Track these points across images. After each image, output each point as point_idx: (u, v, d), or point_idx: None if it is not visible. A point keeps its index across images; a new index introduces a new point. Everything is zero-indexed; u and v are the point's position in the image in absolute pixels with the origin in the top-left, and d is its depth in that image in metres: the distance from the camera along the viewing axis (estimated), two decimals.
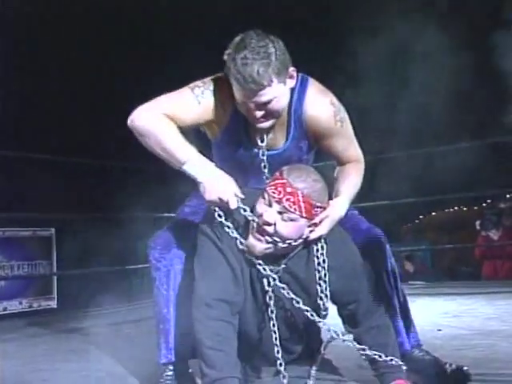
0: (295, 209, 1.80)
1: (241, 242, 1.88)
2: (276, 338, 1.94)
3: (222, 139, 2.13)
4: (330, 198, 1.96)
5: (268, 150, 2.07)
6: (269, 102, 1.90)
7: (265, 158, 2.06)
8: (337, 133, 2.09)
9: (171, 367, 2.18)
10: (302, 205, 1.80)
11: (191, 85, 2.04)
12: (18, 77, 5.40)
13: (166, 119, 1.94)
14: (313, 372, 2.03)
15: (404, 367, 1.94)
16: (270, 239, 1.83)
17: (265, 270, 1.88)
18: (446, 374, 2.12)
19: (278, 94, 1.90)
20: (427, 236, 13.03)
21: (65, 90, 5.62)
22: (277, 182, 1.82)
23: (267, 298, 1.93)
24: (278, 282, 1.90)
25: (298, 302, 1.91)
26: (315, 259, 1.93)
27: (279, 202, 1.80)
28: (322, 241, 1.93)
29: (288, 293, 1.91)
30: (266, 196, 1.83)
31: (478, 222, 7.49)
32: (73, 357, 3.07)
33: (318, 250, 1.93)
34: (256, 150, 2.08)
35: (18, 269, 5.67)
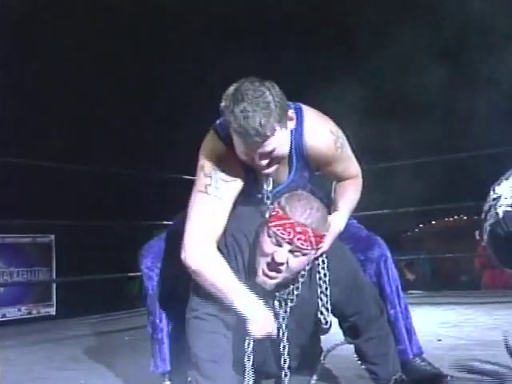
0: (307, 246, 1.79)
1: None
2: (284, 347, 1.96)
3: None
4: (329, 213, 1.95)
5: (274, 188, 2.05)
6: (273, 151, 1.86)
7: (269, 202, 2.01)
8: (338, 159, 2.09)
9: (168, 377, 2.18)
10: (313, 240, 1.80)
11: (201, 187, 1.98)
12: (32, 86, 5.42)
13: (214, 254, 1.91)
14: (313, 382, 2.02)
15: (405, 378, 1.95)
16: (281, 275, 1.83)
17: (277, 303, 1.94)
18: None
19: (281, 141, 1.86)
20: (427, 245, 13.01)
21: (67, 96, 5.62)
22: (284, 222, 1.79)
23: (280, 319, 1.94)
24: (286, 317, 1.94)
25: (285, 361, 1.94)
26: (317, 274, 1.94)
27: (290, 242, 1.78)
28: (324, 256, 1.94)
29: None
30: (272, 235, 1.80)
31: (477, 232, 7.49)
32: (71, 364, 3.06)
33: (319, 265, 1.94)
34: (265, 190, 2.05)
35: (18, 275, 5.65)
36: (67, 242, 5.90)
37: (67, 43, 5.86)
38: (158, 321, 2.17)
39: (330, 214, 1.97)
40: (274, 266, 1.80)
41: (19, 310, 5.54)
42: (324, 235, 1.85)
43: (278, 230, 1.79)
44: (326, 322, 1.94)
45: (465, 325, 3.74)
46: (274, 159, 1.90)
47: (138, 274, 6.22)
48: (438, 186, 8.35)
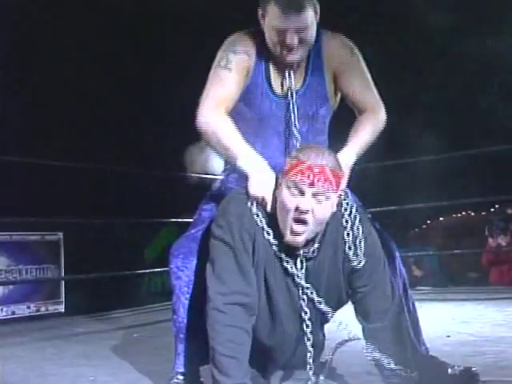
0: (328, 185, 1.80)
1: (274, 237, 1.90)
2: (308, 339, 1.97)
3: (244, 97, 2.20)
4: None
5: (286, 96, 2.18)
6: (305, 28, 2.03)
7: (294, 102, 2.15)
8: (354, 67, 2.21)
9: (181, 376, 2.17)
10: (333, 179, 1.81)
11: (216, 62, 2.18)
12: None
13: (223, 118, 2.07)
14: (321, 378, 2.02)
15: (414, 375, 1.94)
16: (308, 228, 1.82)
17: (292, 267, 1.91)
18: (455, 376, 2.11)
19: (311, 21, 2.05)
20: (434, 241, 12.97)
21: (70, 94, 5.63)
22: (300, 167, 1.80)
23: (297, 297, 1.94)
24: (303, 282, 1.91)
25: (320, 303, 1.94)
26: (343, 221, 1.95)
27: (312, 185, 1.79)
28: (347, 202, 1.97)
29: (311, 293, 1.92)
30: (292, 185, 1.81)
31: (486, 228, 7.48)
32: (80, 361, 3.07)
33: (346, 210, 1.96)
34: (277, 100, 2.18)
35: (26, 273, 5.67)
36: (76, 240, 5.90)
37: (67, 43, 5.86)
38: (185, 320, 2.15)
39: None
40: (301, 217, 1.80)
41: (28, 308, 5.55)
42: (342, 177, 1.87)
43: (297, 177, 1.80)
44: (357, 258, 1.94)
45: (474, 321, 3.73)
46: (303, 41, 2.06)
47: (146, 271, 6.25)
48: (445, 182, 8.34)
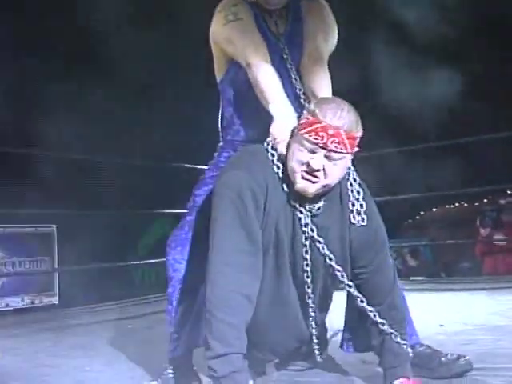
0: (341, 148, 1.76)
1: (287, 184, 1.85)
2: (312, 302, 1.94)
3: None
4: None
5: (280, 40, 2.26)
6: None
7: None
8: (321, 14, 2.31)
9: (173, 364, 2.18)
10: (347, 142, 1.77)
11: (224, 20, 2.22)
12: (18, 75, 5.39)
13: (262, 64, 2.09)
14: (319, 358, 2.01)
15: (411, 354, 1.94)
16: (321, 183, 1.80)
17: (305, 217, 1.87)
18: (448, 364, 2.12)
19: None
20: (428, 232, 13.03)
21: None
22: (315, 126, 1.76)
23: (303, 251, 1.89)
24: (315, 235, 1.86)
25: (330, 259, 1.88)
26: (348, 184, 1.94)
27: (325, 146, 1.76)
28: (353, 173, 1.96)
29: (323, 247, 1.88)
30: (305, 143, 1.78)
31: (478, 218, 7.52)
32: (75, 353, 3.07)
33: (350, 182, 1.95)
34: (274, 41, 2.25)
35: (20, 265, 5.66)
36: (69, 232, 5.89)
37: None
38: (175, 309, 2.16)
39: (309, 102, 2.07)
40: (311, 173, 1.78)
41: (22, 300, 5.55)
42: (358, 137, 1.81)
43: (311, 135, 1.77)
44: (360, 215, 1.92)
45: (467, 310, 3.75)
46: None
47: (140, 262, 6.24)
48: (438, 172, 8.34)
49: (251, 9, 2.28)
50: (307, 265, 1.89)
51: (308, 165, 1.77)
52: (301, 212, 1.86)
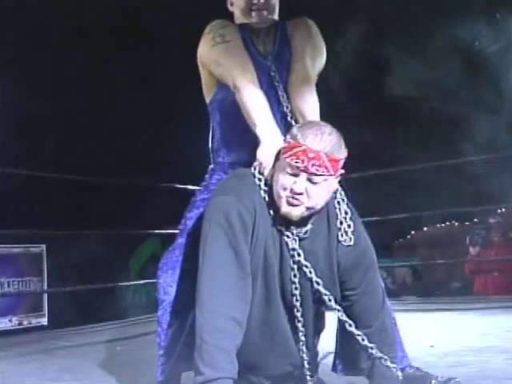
0: (323, 171, 1.78)
1: (273, 209, 1.86)
2: (302, 326, 1.92)
3: None
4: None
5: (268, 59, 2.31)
6: None
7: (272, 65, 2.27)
8: (309, 35, 2.35)
9: None
10: (328, 164, 1.78)
11: (212, 42, 2.26)
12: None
13: (249, 87, 2.11)
14: None
15: (400, 377, 1.93)
16: (305, 205, 1.81)
17: (292, 242, 1.87)
18: None
19: None
20: (419, 251, 13.02)
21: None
22: (296, 150, 1.78)
23: (292, 275, 1.88)
24: (302, 259, 1.86)
25: (318, 284, 1.88)
26: (336, 203, 1.94)
27: (306, 169, 1.77)
28: (341, 193, 1.97)
29: (310, 272, 1.87)
30: (287, 166, 1.79)
31: (467, 238, 7.53)
32: (63, 376, 3.03)
33: (338, 202, 1.95)
34: (262, 60, 2.29)
35: (9, 286, 5.62)
36: (59, 252, 5.86)
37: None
38: (166, 332, 2.15)
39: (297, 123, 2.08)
40: (294, 197, 1.79)
41: (10, 321, 5.51)
42: (340, 159, 1.82)
43: (292, 159, 1.78)
44: (348, 234, 1.92)
45: (458, 331, 3.74)
46: (268, 4, 2.32)
47: (129, 283, 6.20)
48: (429, 192, 8.38)
49: (239, 30, 2.31)
50: (296, 288, 1.89)
51: (291, 189, 1.78)
52: (288, 236, 1.87)
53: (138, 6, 6.16)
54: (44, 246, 5.91)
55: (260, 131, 2.00)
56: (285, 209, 1.82)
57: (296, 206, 1.80)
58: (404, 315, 2.55)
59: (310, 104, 2.18)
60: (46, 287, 5.86)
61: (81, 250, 5.75)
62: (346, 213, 1.94)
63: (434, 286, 9.80)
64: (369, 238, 2.02)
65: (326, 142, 1.78)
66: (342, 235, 1.92)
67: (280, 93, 2.23)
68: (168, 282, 2.16)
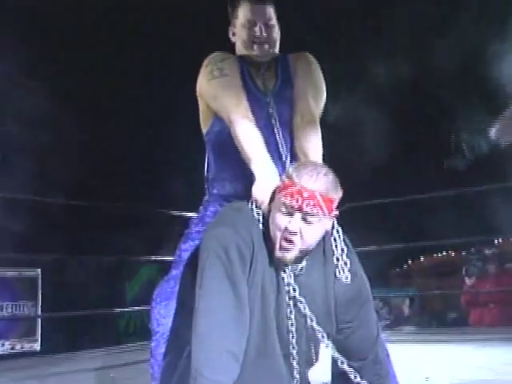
0: (318, 211, 1.77)
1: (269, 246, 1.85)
2: (296, 363, 1.90)
3: None
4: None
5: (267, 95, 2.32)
6: (271, 20, 2.34)
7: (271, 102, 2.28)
8: (311, 75, 2.37)
9: None
10: (323, 204, 1.78)
11: (209, 76, 2.28)
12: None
13: (243, 122, 2.12)
14: None
15: None
16: (298, 248, 1.80)
17: (288, 277, 1.86)
18: None
19: (275, 19, 2.36)
20: (416, 281, 12.98)
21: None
22: (291, 189, 1.78)
23: (288, 311, 1.87)
24: (297, 294, 1.85)
25: (311, 320, 1.87)
26: (332, 239, 1.93)
27: (300, 209, 1.77)
28: (339, 231, 1.95)
29: (304, 308, 1.86)
30: (282, 205, 1.79)
31: (464, 268, 7.51)
32: None
33: (335, 239, 1.93)
34: (261, 96, 2.30)
35: (2, 309, 5.58)
36: (54, 276, 5.84)
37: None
38: (160, 363, 2.12)
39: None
40: (288, 237, 1.78)
41: (2, 345, 5.46)
42: (335, 200, 1.82)
43: (287, 198, 1.78)
44: (345, 272, 1.90)
45: (454, 363, 3.72)
46: (269, 36, 2.34)
47: (125, 310, 6.16)
48: (425, 222, 8.38)
49: (238, 63, 2.33)
50: (292, 325, 1.88)
51: (286, 228, 1.78)
52: (284, 271, 1.86)
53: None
54: (39, 270, 5.88)
55: (254, 166, 2.01)
56: (278, 254, 1.82)
57: (289, 250, 1.80)
58: (400, 346, 2.53)
59: (313, 144, 2.19)
60: (39, 312, 5.81)
61: (76, 274, 5.73)
62: (343, 250, 1.93)
63: (431, 317, 9.75)
64: (363, 270, 2.02)
65: (322, 182, 1.78)
66: (339, 272, 1.91)
67: (276, 130, 2.24)
68: (162, 314, 2.14)
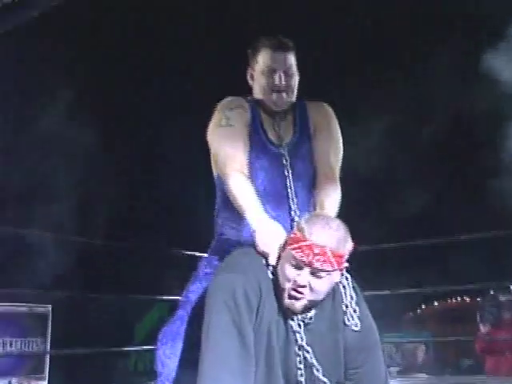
0: (327, 266, 1.78)
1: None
2: None
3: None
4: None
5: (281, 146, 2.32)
6: (291, 69, 2.34)
7: (286, 155, 2.28)
8: (332, 132, 2.38)
9: None
10: (333, 260, 1.78)
11: (217, 123, 2.32)
12: None
13: (236, 175, 2.14)
14: None
15: None
16: (307, 298, 1.81)
17: (296, 325, 1.86)
18: None
19: (295, 68, 2.37)
20: (429, 326, 12.81)
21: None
22: (301, 244, 1.79)
23: (297, 360, 1.87)
24: (304, 344, 1.85)
25: (317, 370, 1.86)
26: (341, 287, 1.93)
27: (310, 264, 1.77)
28: (348, 279, 1.96)
29: (311, 357, 1.85)
30: (292, 258, 1.79)
31: (478, 315, 7.38)
32: None
33: (344, 287, 1.94)
34: (273, 148, 2.31)
35: (11, 345, 5.55)
36: (65, 314, 5.81)
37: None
38: None
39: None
40: (297, 289, 1.79)
41: (9, 383, 5.40)
42: (345, 255, 1.83)
43: (297, 252, 1.78)
44: (354, 319, 1.90)
45: None
46: (288, 86, 2.34)
47: (134, 348, 6.12)
48: (439, 267, 8.31)
49: (250, 112, 2.35)
50: (301, 375, 1.87)
51: (295, 281, 1.79)
52: (292, 319, 1.86)
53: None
54: (50, 307, 5.85)
55: (250, 219, 2.03)
56: (287, 302, 1.82)
57: (298, 299, 1.81)
58: None
59: (331, 198, 2.22)
60: (48, 349, 5.76)
61: (87, 312, 5.70)
62: (352, 297, 1.94)
63: (445, 363, 9.58)
64: (371, 315, 2.02)
65: (333, 238, 1.79)
66: (348, 320, 1.92)
67: (289, 183, 2.26)
68: (167, 354, 2.13)
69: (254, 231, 1.99)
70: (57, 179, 5.62)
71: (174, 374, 2.09)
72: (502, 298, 7.73)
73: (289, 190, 2.24)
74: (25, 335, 5.66)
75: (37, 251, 4.98)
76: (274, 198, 2.24)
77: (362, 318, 1.93)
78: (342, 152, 2.41)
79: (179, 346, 2.11)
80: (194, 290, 2.24)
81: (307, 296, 1.80)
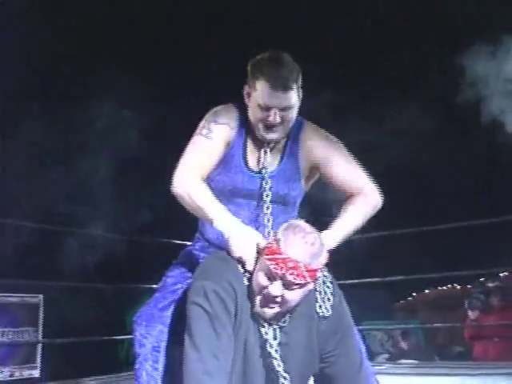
0: (300, 279, 1.78)
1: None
2: None
3: (220, 165, 2.25)
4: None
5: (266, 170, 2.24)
6: (289, 108, 2.15)
7: (268, 186, 2.20)
8: (335, 150, 2.27)
9: None
10: (306, 274, 1.79)
11: (198, 130, 2.24)
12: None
13: (197, 181, 2.11)
14: None
15: None
16: (279, 307, 1.82)
17: (266, 333, 1.88)
18: None
19: (294, 102, 2.17)
20: (420, 314, 12.89)
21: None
22: (276, 256, 1.78)
23: (275, 363, 1.88)
24: (273, 352, 1.86)
25: (284, 378, 1.87)
26: (317, 284, 1.95)
27: (283, 277, 1.78)
28: (324, 277, 1.99)
29: (279, 364, 1.87)
30: (265, 269, 1.80)
31: (466, 302, 7.44)
32: None
33: (321, 284, 1.97)
34: (252, 175, 2.23)
35: (3, 335, 5.55)
36: (56, 303, 5.81)
37: None
38: None
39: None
40: (269, 298, 1.80)
41: (1, 372, 5.41)
42: (319, 269, 1.84)
43: (271, 264, 1.78)
44: (325, 305, 1.93)
45: None
46: (284, 121, 2.16)
47: (125, 337, 6.13)
48: (430, 254, 8.35)
49: (237, 133, 2.27)
50: (285, 378, 1.89)
51: (267, 291, 1.80)
52: (263, 326, 1.88)
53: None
54: (41, 296, 5.86)
55: (221, 226, 2.01)
56: (258, 310, 1.84)
57: (270, 308, 1.83)
58: (403, 379, 2.49)
59: (354, 206, 2.21)
60: (40, 338, 5.77)
61: (78, 302, 5.70)
62: (326, 292, 1.97)
63: (435, 350, 9.65)
64: (347, 305, 2.06)
65: (307, 253, 1.79)
66: (319, 307, 1.95)
67: (266, 207, 2.21)
68: (143, 334, 2.16)
69: (228, 237, 1.96)
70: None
71: (150, 355, 2.12)
72: (490, 285, 7.78)
73: (266, 211, 2.18)
74: (16, 325, 5.66)
75: (26, 241, 4.98)
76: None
77: (335, 305, 1.96)
78: (351, 155, 2.31)
79: (154, 325, 2.14)
80: (171, 275, 2.31)
81: (279, 305, 1.82)
